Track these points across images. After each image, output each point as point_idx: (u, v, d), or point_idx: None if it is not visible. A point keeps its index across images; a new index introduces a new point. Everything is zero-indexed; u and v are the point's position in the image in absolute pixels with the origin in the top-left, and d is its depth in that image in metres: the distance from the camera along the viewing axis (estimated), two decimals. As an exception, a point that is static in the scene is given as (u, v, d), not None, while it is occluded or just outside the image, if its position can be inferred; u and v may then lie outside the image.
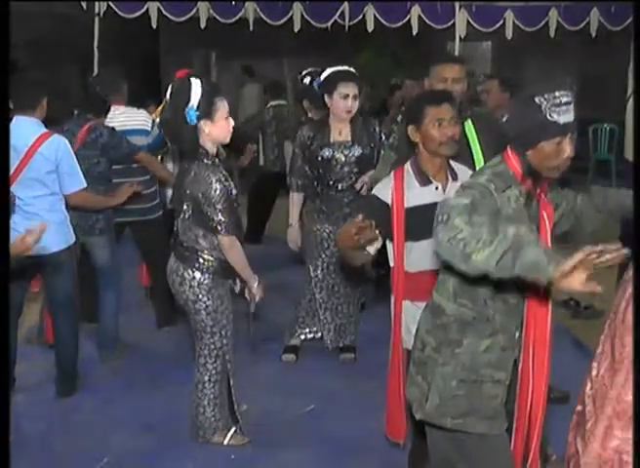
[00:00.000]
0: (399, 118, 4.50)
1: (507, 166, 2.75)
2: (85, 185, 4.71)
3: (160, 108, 4.40)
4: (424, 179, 3.45)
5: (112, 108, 5.45)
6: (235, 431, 4.20)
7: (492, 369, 2.79)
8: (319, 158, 5.11)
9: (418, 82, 6.89)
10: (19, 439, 4.18)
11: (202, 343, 4.07)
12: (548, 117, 2.60)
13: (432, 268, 3.25)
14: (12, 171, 4.43)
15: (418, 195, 3.40)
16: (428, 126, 3.40)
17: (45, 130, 4.59)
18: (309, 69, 7.59)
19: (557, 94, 2.60)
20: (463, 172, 3.58)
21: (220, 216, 3.81)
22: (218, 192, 3.78)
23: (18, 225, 4.55)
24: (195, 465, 4.06)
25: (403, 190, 3.42)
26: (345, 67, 5.19)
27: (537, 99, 2.61)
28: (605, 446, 1.68)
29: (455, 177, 3.51)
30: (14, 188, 4.48)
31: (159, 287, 5.61)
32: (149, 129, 5.58)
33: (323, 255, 5.25)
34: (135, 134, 5.48)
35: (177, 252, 4.01)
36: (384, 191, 3.47)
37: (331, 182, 5.14)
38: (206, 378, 4.09)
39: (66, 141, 4.62)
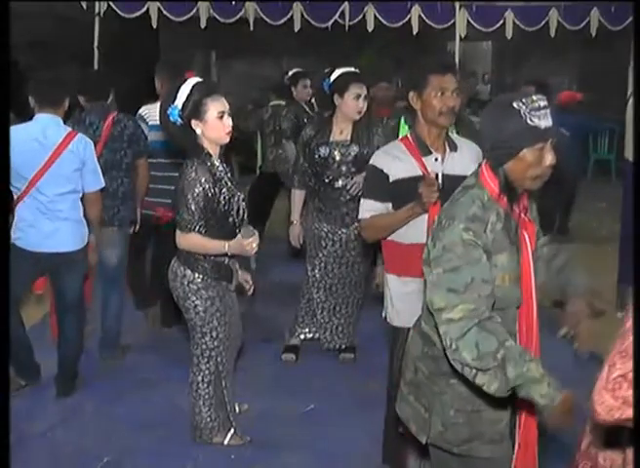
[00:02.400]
0: (384, 120, 4.52)
1: (482, 186, 2.60)
2: (103, 185, 4.78)
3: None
4: (424, 150, 3.46)
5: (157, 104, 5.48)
6: (235, 431, 4.20)
7: (489, 397, 2.57)
8: (317, 156, 5.16)
9: (390, 84, 6.96)
10: (19, 438, 4.18)
11: (194, 343, 4.07)
12: (529, 122, 2.47)
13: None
14: (39, 167, 4.49)
15: (416, 166, 3.44)
16: (430, 94, 3.39)
17: (69, 128, 4.65)
18: (294, 70, 7.78)
19: (535, 98, 2.50)
20: (467, 145, 3.57)
21: (183, 213, 3.77)
22: (196, 195, 3.75)
23: (39, 222, 4.57)
24: (195, 465, 4.06)
25: (419, 156, 3.45)
26: (352, 68, 5.25)
27: (515, 105, 2.48)
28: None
29: (453, 148, 3.51)
30: (40, 185, 4.52)
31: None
32: None
33: (321, 255, 5.26)
34: None
35: (178, 249, 4.00)
36: (380, 159, 3.51)
37: (327, 181, 5.17)
38: (199, 379, 4.09)
39: (90, 141, 4.69)
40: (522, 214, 2.67)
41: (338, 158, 5.13)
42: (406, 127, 4.09)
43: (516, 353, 2.41)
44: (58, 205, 4.58)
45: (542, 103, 2.50)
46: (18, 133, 4.43)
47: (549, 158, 2.52)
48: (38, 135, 4.52)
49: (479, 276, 2.49)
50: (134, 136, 5.20)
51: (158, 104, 5.48)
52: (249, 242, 3.83)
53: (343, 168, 5.13)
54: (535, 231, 2.75)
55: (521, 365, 2.38)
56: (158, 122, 5.15)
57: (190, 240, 3.83)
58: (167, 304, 5.75)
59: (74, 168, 4.58)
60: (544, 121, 2.48)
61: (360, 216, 3.59)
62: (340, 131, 5.16)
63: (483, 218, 2.54)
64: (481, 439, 2.72)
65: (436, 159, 3.47)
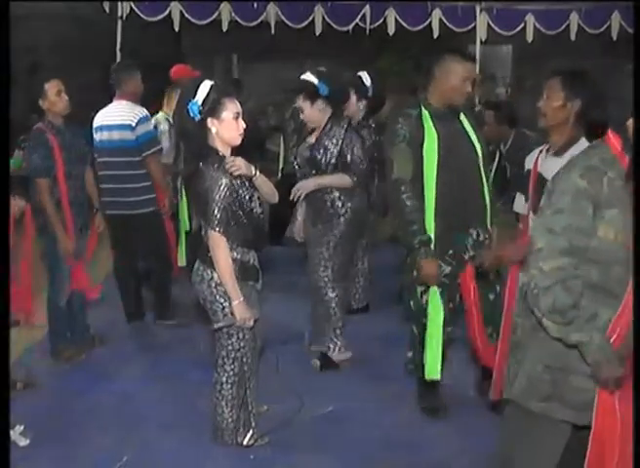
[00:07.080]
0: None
1: (606, 142, 2.75)
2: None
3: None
4: None
5: (115, 103, 5.64)
6: (254, 432, 4.22)
7: (580, 361, 2.69)
8: (292, 158, 5.43)
9: None
10: (37, 437, 4.23)
11: (220, 344, 4.08)
12: None
13: None
14: None
15: None
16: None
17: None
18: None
19: None
20: None
21: (215, 211, 3.77)
22: (222, 187, 3.75)
23: None
24: (215, 465, 4.07)
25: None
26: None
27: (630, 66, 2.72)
28: None
29: None
30: None
31: (156, 280, 5.96)
32: (133, 124, 5.54)
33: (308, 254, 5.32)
34: (118, 129, 5.55)
35: (200, 251, 4.02)
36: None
37: (299, 181, 5.21)
38: (223, 379, 4.11)
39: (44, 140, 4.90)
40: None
41: (299, 160, 5.24)
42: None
43: (584, 318, 2.59)
44: None
45: None
46: None
47: None
48: None
49: (577, 224, 2.62)
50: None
51: (109, 107, 5.66)
52: (250, 318, 3.91)
53: (304, 170, 5.19)
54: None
55: (587, 332, 2.59)
56: (106, 122, 5.58)
57: (222, 247, 3.84)
58: (129, 298, 5.83)
59: None
60: None
61: None
62: (315, 135, 5.17)
63: (600, 169, 2.66)
64: (561, 401, 2.80)
65: None
